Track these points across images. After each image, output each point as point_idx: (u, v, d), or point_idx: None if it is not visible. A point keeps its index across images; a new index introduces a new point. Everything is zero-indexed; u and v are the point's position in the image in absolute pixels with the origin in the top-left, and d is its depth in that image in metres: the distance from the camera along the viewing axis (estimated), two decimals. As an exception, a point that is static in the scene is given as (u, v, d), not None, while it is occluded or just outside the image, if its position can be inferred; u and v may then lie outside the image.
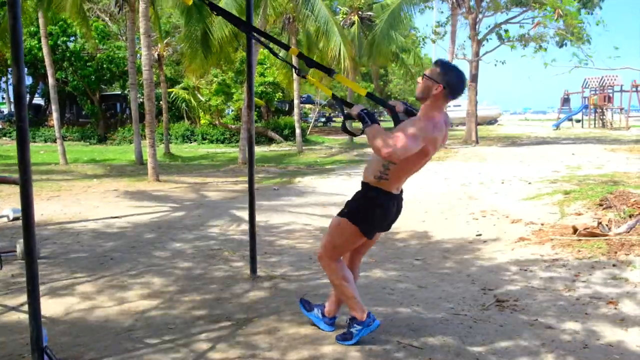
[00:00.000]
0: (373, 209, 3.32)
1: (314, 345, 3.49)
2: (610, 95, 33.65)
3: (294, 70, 3.80)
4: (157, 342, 3.52)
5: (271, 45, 4.56)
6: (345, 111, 3.53)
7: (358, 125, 3.27)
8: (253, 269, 4.97)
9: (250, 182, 4.95)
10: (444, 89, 3.13)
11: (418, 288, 4.76)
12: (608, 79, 32.57)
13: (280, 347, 3.44)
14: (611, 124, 33.50)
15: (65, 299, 4.40)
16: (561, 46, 20.99)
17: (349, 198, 3.48)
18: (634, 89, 32.39)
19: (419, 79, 3.26)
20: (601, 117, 33.88)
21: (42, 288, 4.52)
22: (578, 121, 37.15)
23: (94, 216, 8.21)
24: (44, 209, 8.82)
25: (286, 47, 3.94)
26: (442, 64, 3.26)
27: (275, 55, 4.06)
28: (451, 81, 3.15)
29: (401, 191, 3.43)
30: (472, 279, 5.07)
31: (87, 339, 3.57)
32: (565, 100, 39.97)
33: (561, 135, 27.58)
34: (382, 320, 3.71)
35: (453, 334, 3.64)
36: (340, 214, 3.43)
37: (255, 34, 4.30)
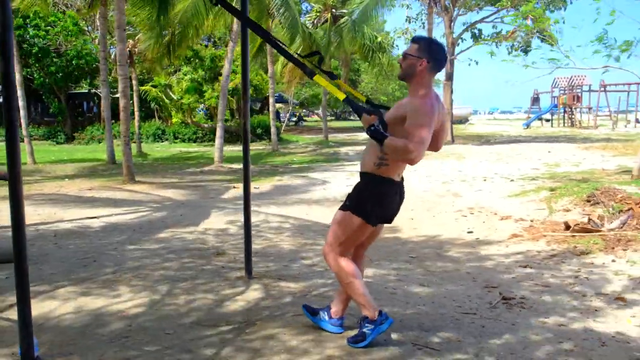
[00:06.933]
0: (376, 198, 3.18)
1: (322, 347, 3.30)
2: (579, 94, 34.23)
3: (303, 70, 3.49)
4: (155, 349, 3.28)
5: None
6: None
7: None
8: (248, 270, 4.73)
9: (246, 180, 4.72)
10: (428, 62, 3.06)
11: (420, 287, 4.61)
12: (577, 79, 33.11)
13: (288, 351, 3.24)
14: (580, 123, 34.09)
15: (48, 303, 4.10)
16: (527, 51, 20.68)
17: (350, 191, 3.33)
18: (602, 89, 33.01)
19: (400, 60, 3.18)
20: (570, 116, 34.43)
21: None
22: (548, 120, 37.68)
23: (69, 217, 7.85)
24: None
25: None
26: (420, 39, 3.19)
27: (279, 48, 3.71)
28: (434, 54, 3.09)
29: (402, 179, 3.29)
30: (472, 276, 4.94)
31: (79, 347, 3.31)
32: (535, 100, 40.55)
33: (532, 134, 27.92)
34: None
35: (467, 334, 3.49)
36: (343, 208, 3.28)
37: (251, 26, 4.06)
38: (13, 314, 3.84)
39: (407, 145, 2.92)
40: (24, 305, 2.73)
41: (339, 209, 3.32)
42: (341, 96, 3.30)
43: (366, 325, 3.26)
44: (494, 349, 3.27)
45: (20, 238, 2.71)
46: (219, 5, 3.82)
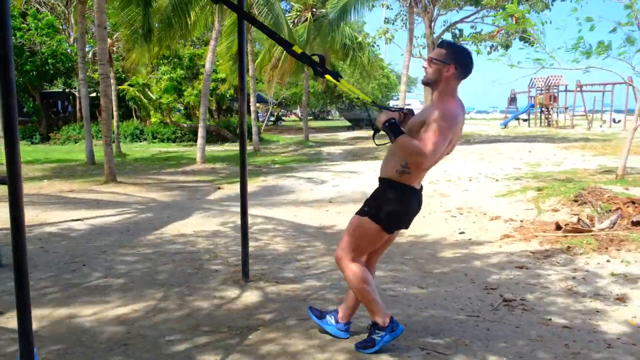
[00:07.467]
0: (396, 205, 3.10)
1: (329, 352, 3.24)
2: (556, 94, 34.65)
3: (315, 71, 3.39)
4: (157, 356, 3.19)
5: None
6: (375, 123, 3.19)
7: None
8: (245, 273, 4.65)
9: (243, 182, 4.63)
10: (455, 69, 2.99)
11: (419, 289, 4.57)
12: (553, 79, 33.54)
13: (293, 356, 3.17)
14: (556, 123, 34.52)
15: (39, 311, 3.94)
16: (507, 48, 21.15)
17: (368, 196, 3.26)
18: (578, 89, 33.48)
19: (425, 64, 3.09)
20: (547, 116, 34.86)
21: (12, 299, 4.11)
22: (525, 120, 38.09)
23: (53, 219, 7.66)
24: (-5, 212, 8.18)
25: (289, 44, 3.47)
26: (448, 44, 3.11)
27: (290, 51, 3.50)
28: (462, 60, 3.02)
29: (421, 187, 3.23)
30: (470, 278, 4.92)
31: (78, 356, 3.20)
32: (512, 100, 40.98)
33: (511, 134, 28.19)
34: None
35: (473, 337, 3.47)
36: (361, 213, 3.19)
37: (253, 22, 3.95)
38: (5, 322, 3.72)
39: (420, 149, 2.87)
40: (23, 313, 2.61)
41: (356, 213, 3.24)
42: (368, 99, 3.31)
43: (376, 331, 3.21)
44: (502, 353, 3.25)
45: (20, 242, 2.59)
46: (219, 3, 3.72)
